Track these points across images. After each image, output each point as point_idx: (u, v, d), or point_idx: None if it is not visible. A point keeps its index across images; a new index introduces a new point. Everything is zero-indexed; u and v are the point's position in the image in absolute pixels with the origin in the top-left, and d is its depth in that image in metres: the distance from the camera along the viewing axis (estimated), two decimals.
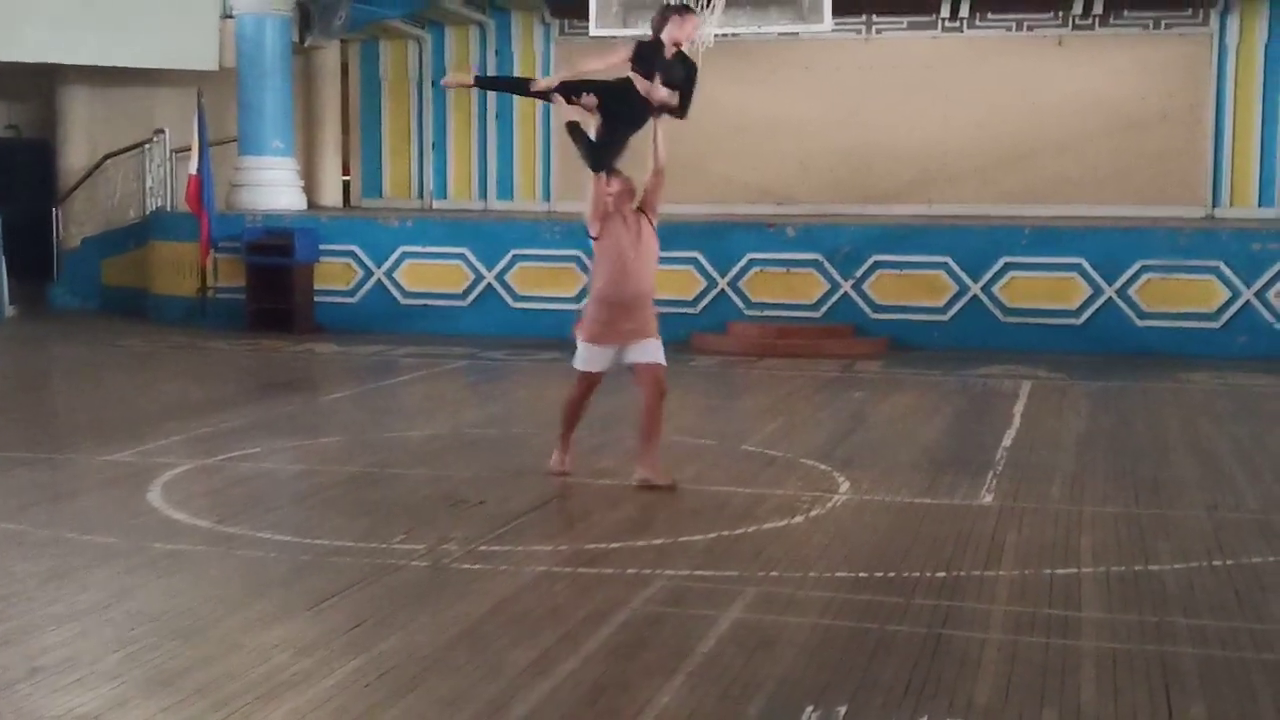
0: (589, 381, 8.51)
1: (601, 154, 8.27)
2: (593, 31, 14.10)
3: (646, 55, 8.32)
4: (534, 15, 19.80)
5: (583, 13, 14.85)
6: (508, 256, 16.08)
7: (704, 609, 6.03)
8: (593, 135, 8.35)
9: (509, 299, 16.08)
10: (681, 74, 8.36)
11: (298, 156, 18.41)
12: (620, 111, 8.27)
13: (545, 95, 8.50)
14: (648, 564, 6.71)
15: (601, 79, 8.33)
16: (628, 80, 8.30)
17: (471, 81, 8.57)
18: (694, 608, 6.07)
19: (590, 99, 8.19)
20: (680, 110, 8.40)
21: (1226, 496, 8.29)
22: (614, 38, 15.03)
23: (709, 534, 7.29)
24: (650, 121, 8.36)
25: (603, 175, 8.21)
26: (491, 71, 19.85)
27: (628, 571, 6.58)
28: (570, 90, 8.33)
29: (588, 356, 8.45)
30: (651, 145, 8.37)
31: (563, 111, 8.40)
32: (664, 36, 8.34)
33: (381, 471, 8.80)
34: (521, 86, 8.53)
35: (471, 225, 16.79)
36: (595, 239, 8.33)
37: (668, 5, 8.55)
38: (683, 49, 8.37)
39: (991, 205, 18.36)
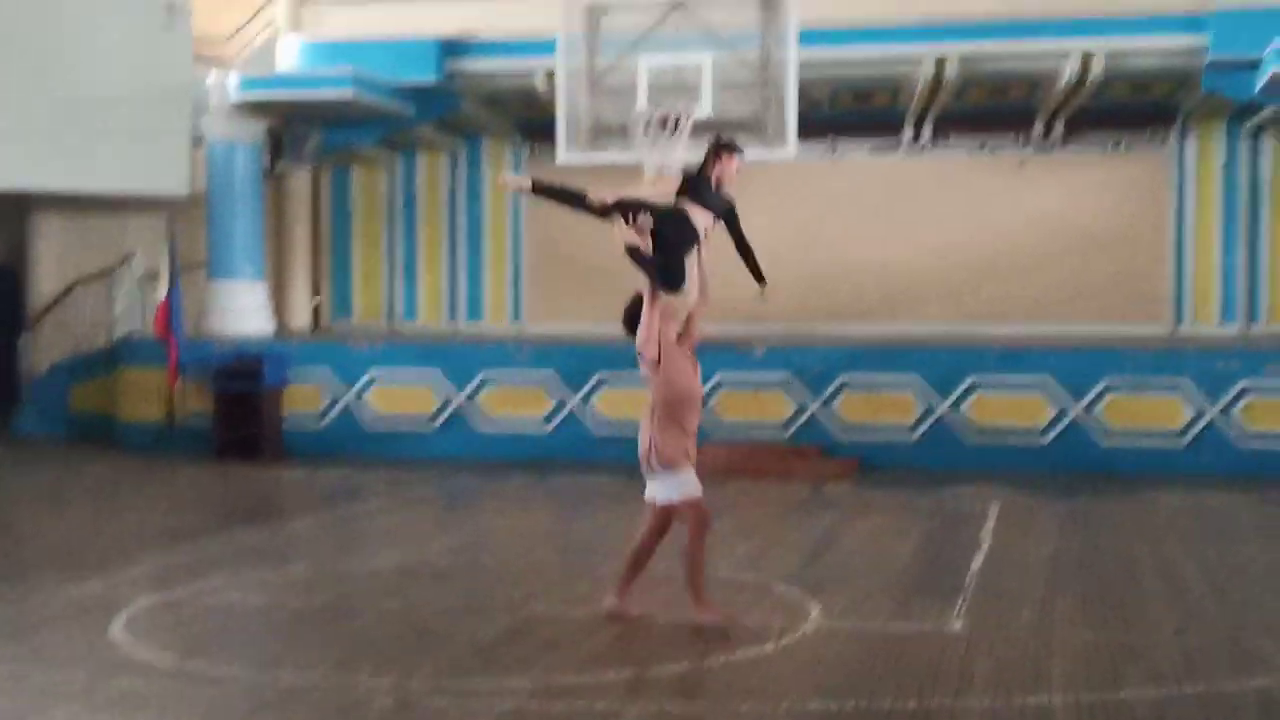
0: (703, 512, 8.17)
1: (671, 275, 8.21)
2: (560, 158, 14.25)
3: (695, 186, 8.46)
4: (505, 141, 20.04)
5: (554, 138, 15.03)
6: (477, 379, 16.11)
7: None
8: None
9: (478, 422, 16.08)
10: (723, 206, 8.54)
11: (268, 280, 18.48)
12: (670, 235, 8.31)
13: (603, 213, 8.36)
14: (617, 699, 6.64)
15: (652, 203, 8.39)
16: (680, 207, 8.38)
17: (529, 186, 8.41)
18: None
19: (646, 219, 8.21)
20: (757, 274, 8.98)
21: (1196, 619, 8.28)
22: (582, 164, 15.24)
23: (680, 664, 7.23)
24: (696, 249, 8.36)
25: (660, 298, 8.04)
26: (462, 193, 20.11)
27: (596, 706, 6.50)
28: (626, 210, 8.28)
29: (694, 480, 8.20)
30: (698, 274, 8.36)
31: (619, 233, 8.23)
32: (711, 171, 8.50)
33: (348, 603, 8.72)
34: (577, 200, 8.43)
35: (440, 347, 16.84)
36: (655, 361, 8.15)
37: (719, 142, 8.63)
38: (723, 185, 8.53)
39: (957, 325, 18.52)
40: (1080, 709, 6.50)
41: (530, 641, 7.82)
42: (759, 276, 8.88)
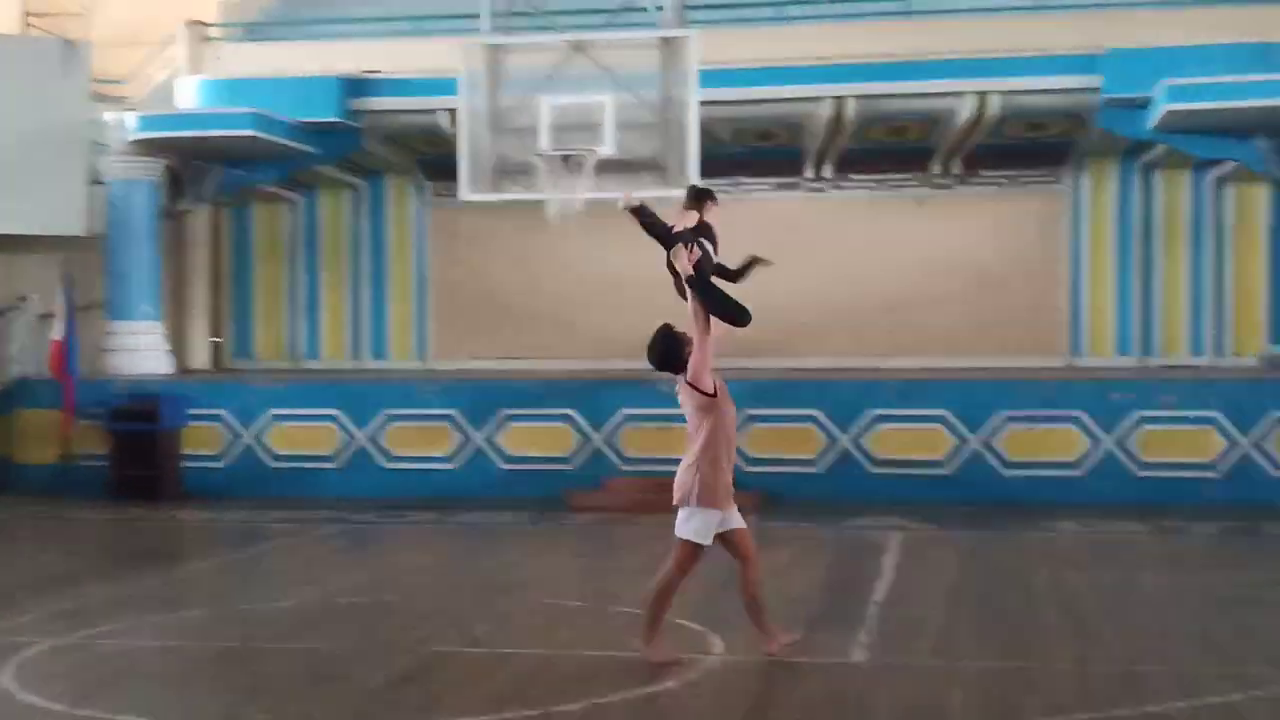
0: (701, 554, 8.01)
1: (737, 306, 8.24)
2: (463, 196, 14.25)
3: (702, 232, 8.56)
4: (407, 179, 19.98)
5: (456, 176, 15.05)
6: (380, 416, 15.99)
7: None
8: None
9: (382, 460, 15.95)
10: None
11: (167, 320, 18.23)
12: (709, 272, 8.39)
13: (669, 244, 8.31)
14: None
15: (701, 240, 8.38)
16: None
17: (636, 205, 8.35)
18: None
19: (697, 253, 8.21)
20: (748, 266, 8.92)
21: (1093, 648, 8.40)
22: (486, 202, 15.27)
23: (580, 703, 7.19)
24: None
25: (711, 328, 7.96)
26: (365, 231, 20.04)
27: None
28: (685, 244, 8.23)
29: (713, 524, 8.02)
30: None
31: (684, 265, 8.16)
32: (706, 218, 8.57)
33: (246, 646, 8.59)
34: (664, 231, 8.46)
35: (343, 386, 16.70)
36: (712, 396, 8.06)
37: (704, 190, 8.71)
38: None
39: (858, 359, 18.69)
40: None
41: (431, 682, 7.75)
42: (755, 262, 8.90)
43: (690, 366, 7.98)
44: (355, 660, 8.13)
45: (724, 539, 8.07)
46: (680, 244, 8.23)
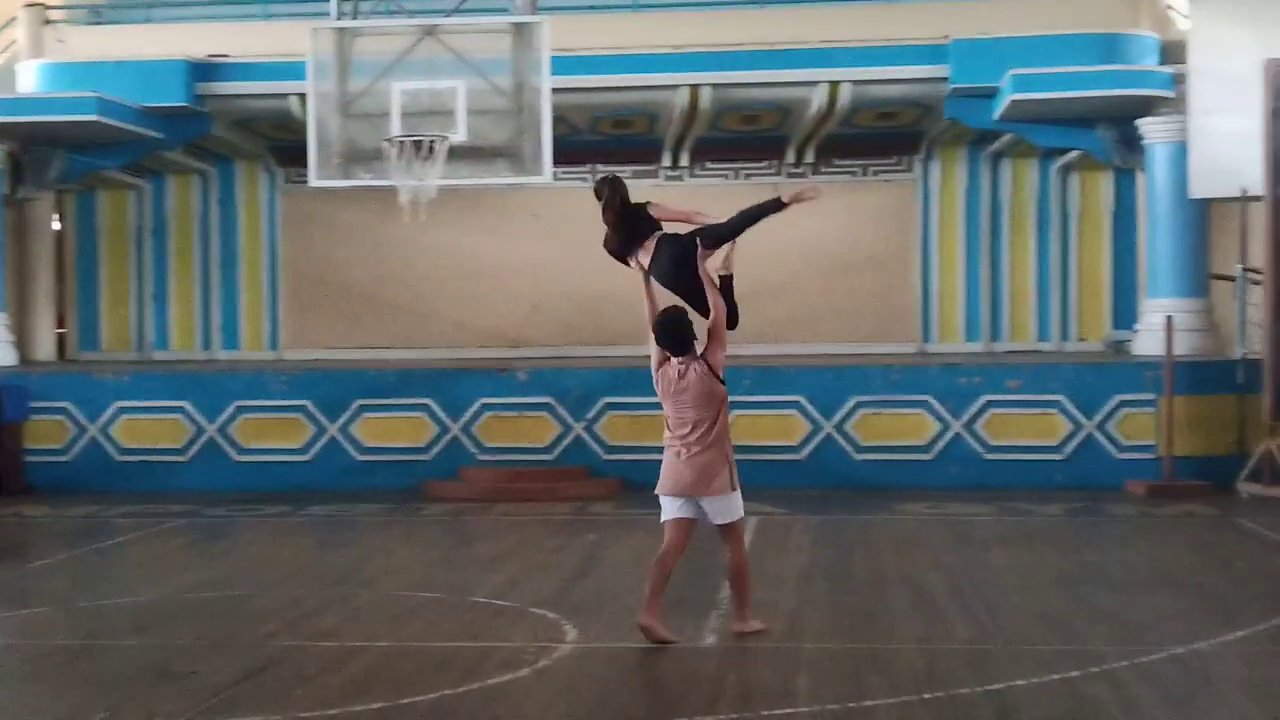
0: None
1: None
2: (313, 181, 14.04)
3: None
4: (258, 165, 19.64)
5: (307, 163, 14.85)
6: (231, 408, 15.69)
7: None
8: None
9: (233, 453, 15.66)
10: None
11: (9, 311, 17.68)
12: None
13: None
14: None
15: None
16: None
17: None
18: None
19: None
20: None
21: (938, 628, 8.57)
22: (337, 188, 15.09)
23: (431, 694, 7.14)
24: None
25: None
26: (215, 218, 19.68)
27: None
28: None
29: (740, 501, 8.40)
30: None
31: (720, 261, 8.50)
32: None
33: (89, 643, 8.39)
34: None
35: (192, 377, 16.35)
36: (723, 384, 8.26)
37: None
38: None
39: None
40: (823, 719, 6.66)
41: (278, 677, 7.62)
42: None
43: (713, 358, 8.22)
44: (202, 656, 7.98)
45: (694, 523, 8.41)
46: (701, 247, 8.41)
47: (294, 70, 15.37)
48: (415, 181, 12.95)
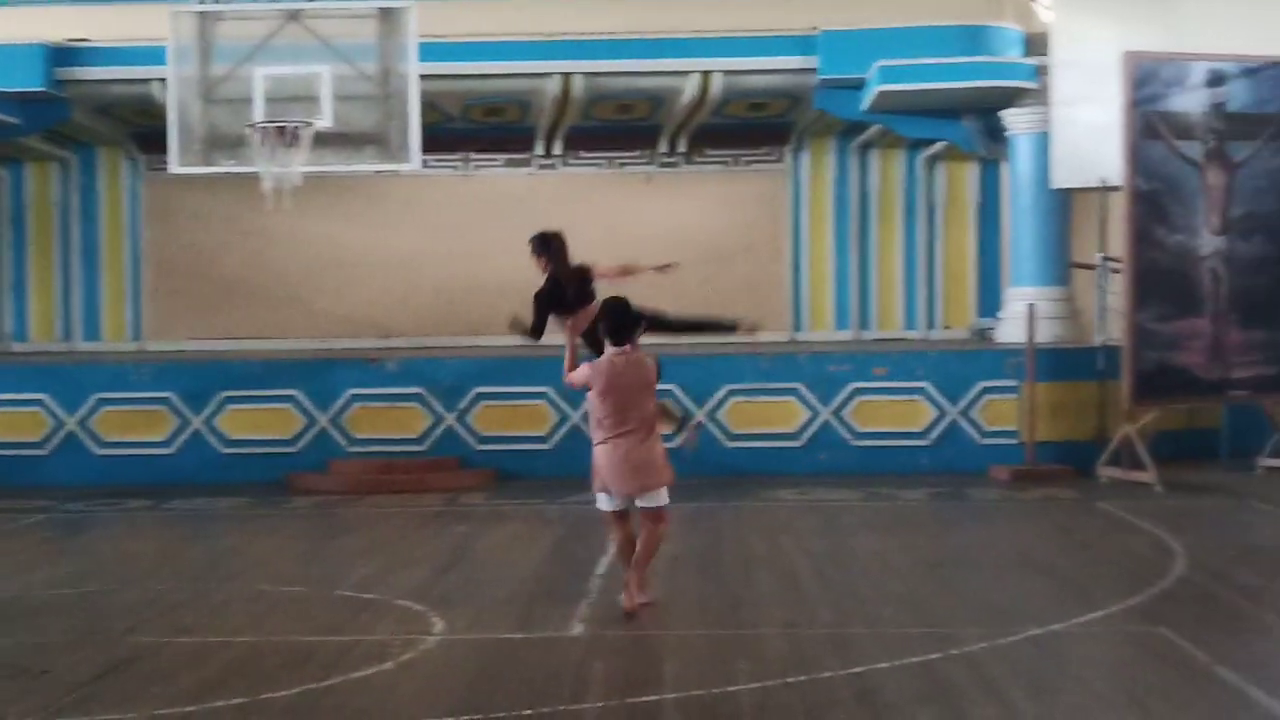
0: None
1: None
2: (174, 169, 13.74)
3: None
4: (119, 151, 19.18)
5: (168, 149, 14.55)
6: (92, 400, 15.31)
7: None
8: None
9: (94, 446, 15.28)
10: None
11: None
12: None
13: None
14: None
15: None
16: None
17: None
18: None
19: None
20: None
21: (804, 613, 8.65)
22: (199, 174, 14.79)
23: (292, 689, 7.03)
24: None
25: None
26: (75, 206, 19.20)
27: None
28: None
29: None
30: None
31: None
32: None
33: None
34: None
35: (51, 368, 15.92)
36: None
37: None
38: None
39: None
40: (689, 705, 6.69)
41: (136, 674, 7.46)
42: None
43: (649, 367, 8.57)
44: (57, 654, 7.78)
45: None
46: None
47: (155, 55, 15.01)
48: (279, 168, 12.74)
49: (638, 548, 8.66)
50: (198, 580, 10.00)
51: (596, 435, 8.63)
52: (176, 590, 9.62)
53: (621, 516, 8.74)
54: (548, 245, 10.31)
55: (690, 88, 17.13)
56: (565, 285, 9.98)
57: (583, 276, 10.01)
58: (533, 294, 10.32)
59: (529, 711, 6.61)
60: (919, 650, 7.59)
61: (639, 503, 8.60)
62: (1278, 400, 14.79)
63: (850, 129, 18.61)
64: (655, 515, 8.63)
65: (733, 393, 15.31)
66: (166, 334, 19.03)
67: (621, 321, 8.52)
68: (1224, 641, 7.75)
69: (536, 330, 10.30)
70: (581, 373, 8.69)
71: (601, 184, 19.73)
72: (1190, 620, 8.25)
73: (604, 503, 8.71)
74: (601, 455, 8.57)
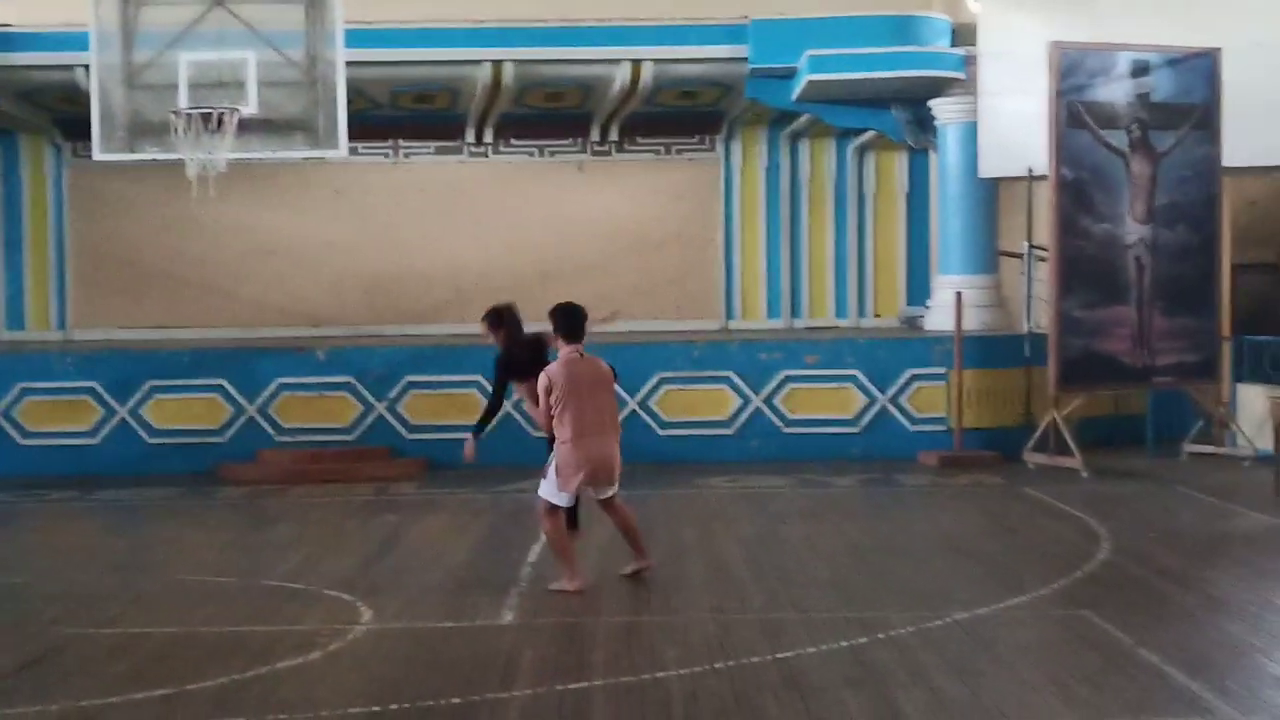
0: None
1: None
2: (97, 156, 13.56)
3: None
4: (43, 138, 18.87)
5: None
6: (15, 390, 15.06)
7: None
8: None
9: (17, 436, 15.04)
10: None
11: None
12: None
13: None
14: (148, 718, 6.35)
15: None
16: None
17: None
18: None
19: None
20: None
21: (733, 599, 8.69)
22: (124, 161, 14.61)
23: (218, 679, 6.98)
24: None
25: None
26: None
27: None
28: None
29: None
30: None
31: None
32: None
33: None
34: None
35: None
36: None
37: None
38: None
39: (527, 324, 18.68)
40: (619, 692, 6.70)
41: (59, 665, 7.37)
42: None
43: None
44: None
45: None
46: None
47: (79, 40, 14.72)
48: (204, 155, 12.59)
49: (626, 525, 9.19)
50: (123, 571, 9.88)
51: (564, 433, 8.74)
52: (101, 581, 9.50)
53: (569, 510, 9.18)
54: (500, 318, 10.43)
55: (621, 76, 17.11)
56: (520, 353, 10.11)
57: (537, 345, 10.10)
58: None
59: (458, 700, 6.59)
60: (847, 635, 7.65)
61: (601, 494, 8.98)
62: (1202, 387, 15.01)
63: (781, 118, 18.67)
64: (612, 501, 9.10)
65: (665, 381, 15.32)
66: (93, 323, 18.77)
67: (576, 321, 8.93)
68: (1146, 624, 7.87)
69: (498, 398, 10.54)
70: (541, 383, 8.84)
71: (533, 172, 19.68)
72: (1114, 603, 8.37)
73: (566, 500, 8.92)
74: (577, 451, 8.74)
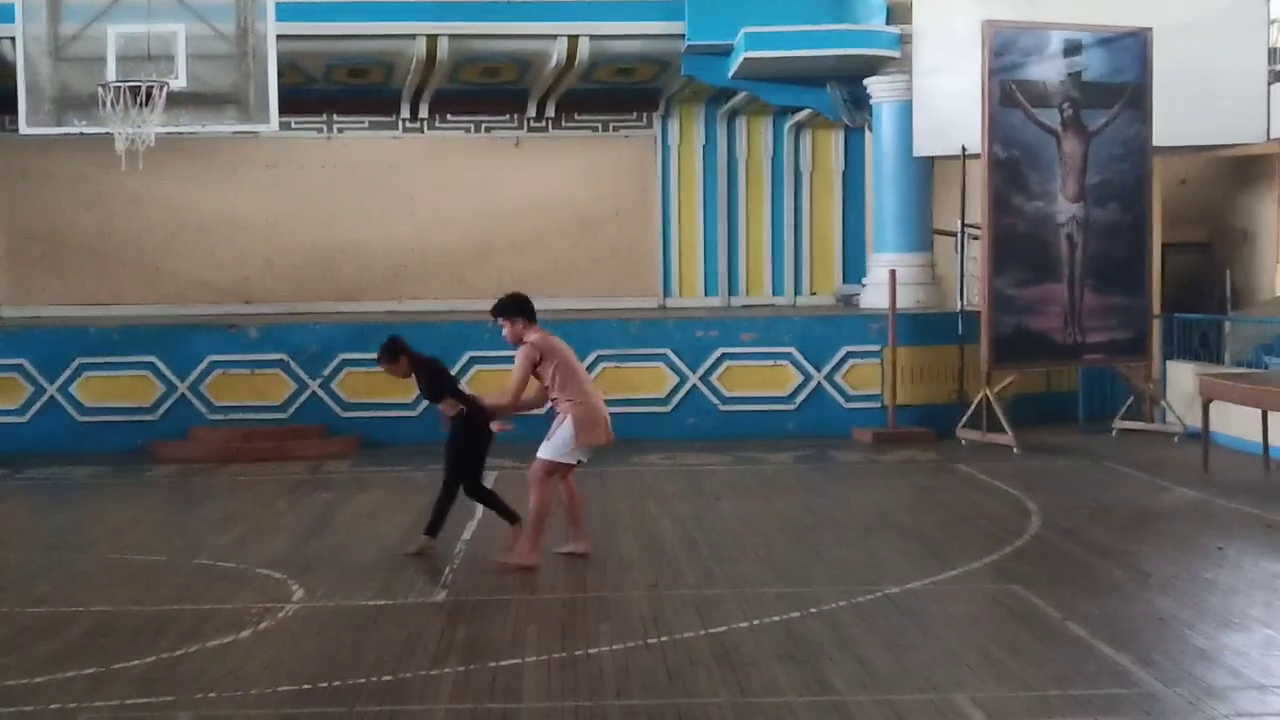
0: None
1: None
2: (24, 129, 13.32)
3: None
4: None
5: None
6: None
7: None
8: None
9: None
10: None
11: None
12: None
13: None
14: (75, 697, 6.28)
15: None
16: None
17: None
18: None
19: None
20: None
21: (666, 574, 8.70)
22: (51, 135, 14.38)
23: (146, 658, 6.91)
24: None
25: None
26: None
27: (51, 708, 6.13)
28: None
29: None
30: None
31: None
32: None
33: None
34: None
35: None
36: None
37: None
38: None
39: (459, 301, 18.66)
40: (550, 668, 6.70)
41: None
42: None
43: None
44: None
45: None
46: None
47: (5, 12, 14.49)
48: (132, 129, 12.42)
49: (576, 503, 9.20)
50: (52, 550, 9.75)
51: (574, 393, 8.79)
52: (30, 560, 9.38)
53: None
54: (394, 351, 9.60)
55: (558, 52, 17.06)
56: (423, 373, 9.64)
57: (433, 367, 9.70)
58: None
59: (389, 677, 6.57)
60: (779, 610, 7.69)
61: (584, 460, 9.05)
62: (1132, 364, 15.19)
63: (718, 95, 18.68)
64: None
65: (602, 358, 15.29)
66: (20, 300, 18.51)
67: (531, 305, 9.02)
68: (1075, 598, 7.95)
69: (469, 399, 9.89)
70: (529, 356, 8.79)
71: (469, 148, 19.59)
72: (1043, 578, 8.46)
73: (578, 456, 8.96)
74: (594, 410, 8.86)
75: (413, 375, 9.63)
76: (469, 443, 9.31)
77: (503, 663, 6.77)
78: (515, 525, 9.27)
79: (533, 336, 8.90)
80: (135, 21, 12.71)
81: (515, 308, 9.01)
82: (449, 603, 8.07)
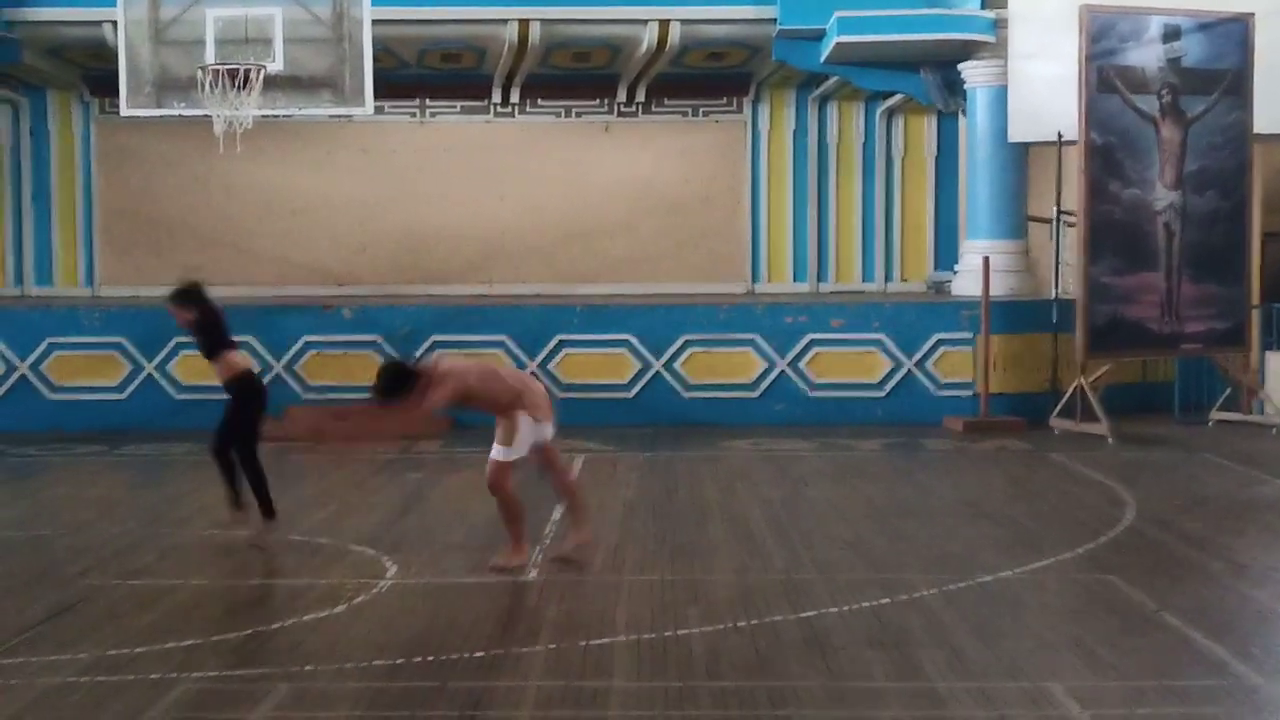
0: None
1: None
2: (125, 111, 13.55)
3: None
4: (72, 94, 18.92)
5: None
6: (44, 345, 15.13)
7: (229, 712, 5.80)
8: None
9: (45, 390, 15.12)
10: None
11: None
12: None
13: None
14: (173, 668, 6.41)
15: None
16: None
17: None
18: (219, 711, 5.83)
19: None
20: None
21: (755, 559, 8.70)
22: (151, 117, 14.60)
23: (244, 631, 7.04)
24: None
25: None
26: (26, 149, 18.95)
27: (150, 677, 6.26)
28: None
29: None
30: None
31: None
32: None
33: None
34: None
35: (2, 312, 15.74)
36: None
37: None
38: None
39: (548, 285, 18.76)
40: (640, 648, 6.73)
41: (87, 615, 7.44)
42: None
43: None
44: (7, 596, 7.76)
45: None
46: None
47: None
48: (230, 111, 12.62)
49: (569, 488, 8.87)
50: (150, 525, 9.95)
51: (506, 395, 8.43)
52: (128, 534, 9.57)
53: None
54: (189, 296, 9.58)
55: (648, 36, 17.03)
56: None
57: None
58: None
59: (481, 654, 6.64)
60: (869, 596, 7.67)
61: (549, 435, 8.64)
62: (1230, 354, 14.92)
63: (809, 80, 18.57)
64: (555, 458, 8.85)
65: (690, 343, 15.29)
66: (120, 280, 18.85)
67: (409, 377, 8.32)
68: (1170, 589, 7.85)
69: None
70: (452, 387, 8.20)
71: (559, 133, 19.64)
72: (1138, 569, 8.36)
73: (523, 451, 8.58)
74: (528, 392, 8.50)
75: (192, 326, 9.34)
76: (244, 410, 9.20)
77: (594, 642, 6.81)
78: (236, 510, 9.07)
79: (445, 370, 8.25)
80: (233, 5, 12.90)
81: (396, 386, 8.22)
82: (540, 581, 8.13)
